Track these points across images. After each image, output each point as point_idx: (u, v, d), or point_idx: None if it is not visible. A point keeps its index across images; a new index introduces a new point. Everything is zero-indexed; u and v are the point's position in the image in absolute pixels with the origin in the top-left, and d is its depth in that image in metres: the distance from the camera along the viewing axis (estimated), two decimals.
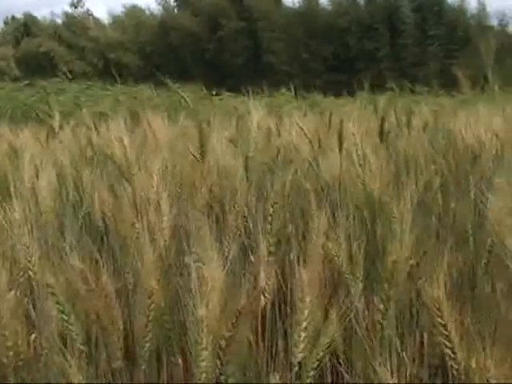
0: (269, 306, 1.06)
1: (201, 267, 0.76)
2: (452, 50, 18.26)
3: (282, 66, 18.68)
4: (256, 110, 1.25)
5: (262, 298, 1.05)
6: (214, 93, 6.23)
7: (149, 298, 0.82)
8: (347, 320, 0.97)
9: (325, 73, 18.22)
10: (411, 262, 1.04)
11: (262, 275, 1.04)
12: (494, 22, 19.73)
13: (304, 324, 0.80)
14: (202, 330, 0.72)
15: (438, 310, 0.82)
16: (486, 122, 1.90)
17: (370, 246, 1.16)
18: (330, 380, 1.12)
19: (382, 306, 0.88)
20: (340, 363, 1.08)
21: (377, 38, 19.30)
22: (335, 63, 18.76)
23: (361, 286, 1.03)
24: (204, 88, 6.14)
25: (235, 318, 0.74)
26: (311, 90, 7.57)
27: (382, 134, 1.60)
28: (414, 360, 1.04)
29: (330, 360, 1.08)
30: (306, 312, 0.80)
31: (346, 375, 1.05)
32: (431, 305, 0.82)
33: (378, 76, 13.73)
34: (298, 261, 0.83)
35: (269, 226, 0.95)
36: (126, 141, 1.24)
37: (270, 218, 0.96)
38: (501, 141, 1.78)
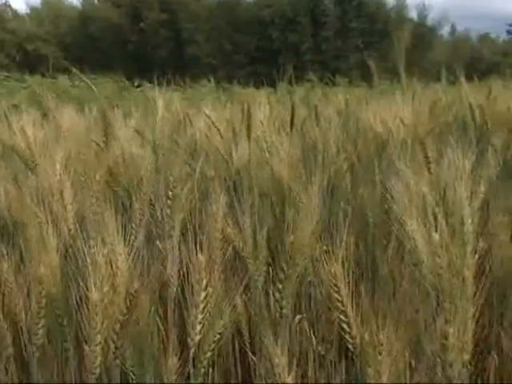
0: (175, 291, 1.07)
1: (97, 253, 0.76)
2: (372, 43, 18.63)
3: (205, 58, 18.64)
4: (165, 101, 1.26)
5: (170, 283, 1.07)
6: (135, 84, 6.16)
7: (40, 284, 0.82)
8: (249, 301, 1.00)
9: (248, 65, 18.27)
10: (321, 248, 1.07)
11: (170, 261, 1.05)
12: (414, 15, 20.27)
13: (201, 306, 0.81)
14: (96, 313, 0.72)
15: (335, 285, 0.85)
16: (395, 111, 1.95)
17: (277, 231, 1.19)
18: (234, 360, 1.14)
19: (280, 286, 0.91)
20: (245, 344, 1.10)
21: (300, 31, 19.47)
22: (259, 55, 18.84)
23: (263, 268, 1.05)
24: (125, 79, 6.06)
25: (129, 301, 0.75)
26: (234, 82, 7.58)
27: (292, 121, 1.64)
28: (312, 336, 1.07)
29: (232, 339, 1.10)
30: (203, 294, 0.81)
31: (250, 354, 1.07)
32: (328, 281, 0.85)
33: (302, 68, 13.85)
34: (195, 245, 0.84)
35: (168, 210, 0.96)
36: (31, 132, 1.23)
37: (169, 202, 0.96)
38: (407, 128, 1.83)
